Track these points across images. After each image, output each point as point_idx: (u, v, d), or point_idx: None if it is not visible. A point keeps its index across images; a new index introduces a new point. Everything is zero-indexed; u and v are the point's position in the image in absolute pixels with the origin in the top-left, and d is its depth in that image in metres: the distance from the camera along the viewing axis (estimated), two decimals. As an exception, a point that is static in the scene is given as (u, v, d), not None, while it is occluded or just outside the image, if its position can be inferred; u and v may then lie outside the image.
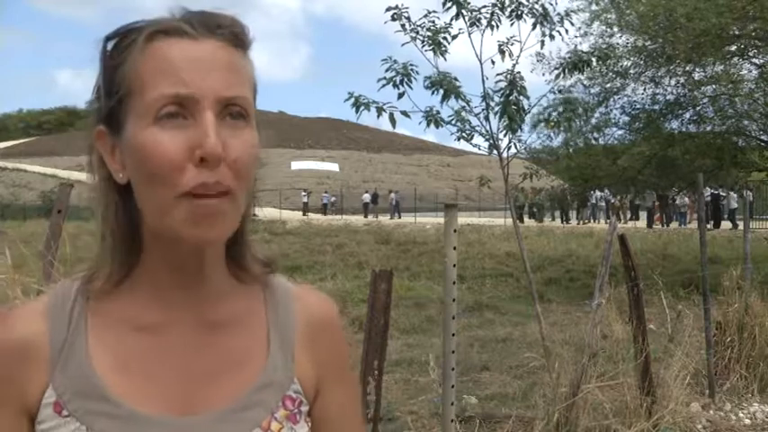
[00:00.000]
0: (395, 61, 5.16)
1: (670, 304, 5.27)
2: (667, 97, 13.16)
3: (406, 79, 5.12)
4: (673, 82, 13.06)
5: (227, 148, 0.69)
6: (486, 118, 5.42)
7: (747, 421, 4.81)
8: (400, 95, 5.18)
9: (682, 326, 4.95)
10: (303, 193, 40.20)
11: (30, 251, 3.21)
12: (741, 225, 15.83)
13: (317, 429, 0.84)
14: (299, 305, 0.85)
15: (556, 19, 5.32)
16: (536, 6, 5.23)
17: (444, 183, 57.42)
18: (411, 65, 5.14)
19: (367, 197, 38.12)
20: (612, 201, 27.02)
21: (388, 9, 5.31)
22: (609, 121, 13.14)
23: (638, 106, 13.32)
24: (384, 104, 5.23)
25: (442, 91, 5.15)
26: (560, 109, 5.55)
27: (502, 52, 5.27)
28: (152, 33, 0.71)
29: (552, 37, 5.35)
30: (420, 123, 5.35)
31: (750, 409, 5.00)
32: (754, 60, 13.05)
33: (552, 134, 9.17)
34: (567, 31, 5.38)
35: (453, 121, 5.42)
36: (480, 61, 5.31)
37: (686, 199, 23.79)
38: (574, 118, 5.61)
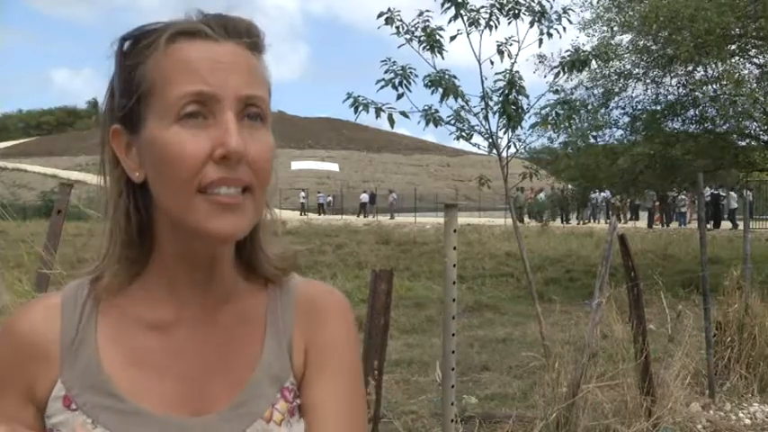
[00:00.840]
0: (394, 62, 5.17)
1: (670, 304, 5.26)
2: (668, 97, 13.16)
3: (405, 81, 5.12)
4: (674, 82, 13.08)
5: (246, 148, 0.71)
6: (486, 117, 5.42)
7: (747, 421, 4.81)
8: (399, 96, 5.18)
9: (682, 326, 4.94)
10: (302, 193, 40.27)
11: (27, 250, 3.21)
12: (741, 225, 15.83)
13: (304, 416, 0.82)
14: (300, 297, 0.85)
15: (554, 17, 5.32)
16: (533, 4, 5.23)
17: (444, 183, 57.39)
18: (410, 68, 5.15)
19: (365, 197, 38.15)
20: (612, 201, 27.00)
21: (381, 15, 5.31)
22: (609, 121, 13.14)
23: (639, 106, 13.33)
24: (383, 105, 5.24)
25: (441, 90, 5.15)
26: (559, 109, 5.55)
27: (500, 53, 5.27)
28: (174, 34, 0.72)
29: (550, 35, 5.35)
30: (419, 123, 5.34)
31: (750, 409, 4.99)
32: (755, 60, 13.06)
33: (552, 135, 9.18)
34: (564, 29, 5.37)
35: (453, 121, 5.43)
36: (479, 61, 5.31)
37: (685, 198, 23.79)
38: (574, 117, 5.62)
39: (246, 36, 0.74)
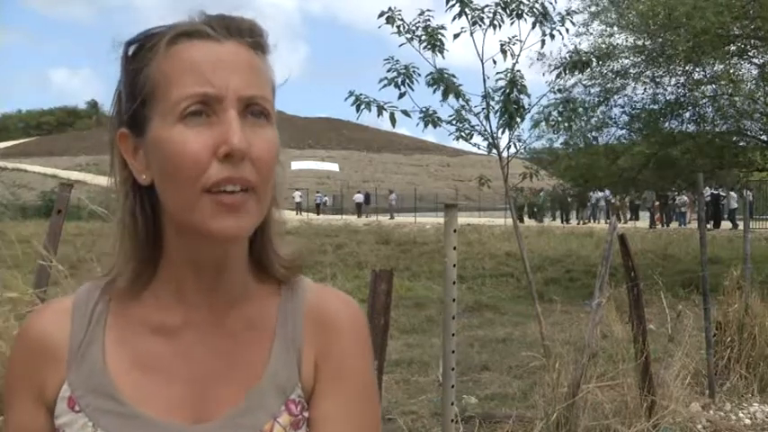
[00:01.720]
0: (396, 61, 5.17)
1: (670, 304, 5.26)
2: (667, 97, 13.17)
3: (407, 80, 5.13)
4: (673, 81, 13.08)
5: (250, 145, 0.71)
6: (487, 117, 5.42)
7: (747, 421, 4.80)
8: (401, 95, 5.19)
9: (682, 326, 4.94)
10: (299, 193, 40.23)
11: (25, 250, 3.20)
12: (741, 225, 15.82)
13: (310, 429, 0.79)
14: (311, 305, 0.83)
15: (556, 19, 5.33)
16: (536, 5, 5.23)
17: (444, 183, 57.38)
18: (413, 67, 5.15)
19: (359, 197, 38.13)
20: (612, 201, 26.99)
21: (381, 14, 5.31)
22: (609, 121, 13.15)
23: (638, 106, 13.33)
24: (384, 104, 5.24)
25: (442, 89, 5.16)
26: (560, 108, 5.56)
27: (504, 52, 5.27)
28: (175, 36, 0.73)
29: (552, 36, 5.36)
30: (417, 125, 5.35)
31: (750, 409, 4.99)
32: (753, 60, 13.05)
33: (553, 135, 9.19)
34: (567, 30, 5.39)
35: (453, 121, 5.43)
36: (482, 60, 5.32)
37: (685, 198, 23.77)
38: (574, 117, 5.62)
39: (249, 35, 0.75)
